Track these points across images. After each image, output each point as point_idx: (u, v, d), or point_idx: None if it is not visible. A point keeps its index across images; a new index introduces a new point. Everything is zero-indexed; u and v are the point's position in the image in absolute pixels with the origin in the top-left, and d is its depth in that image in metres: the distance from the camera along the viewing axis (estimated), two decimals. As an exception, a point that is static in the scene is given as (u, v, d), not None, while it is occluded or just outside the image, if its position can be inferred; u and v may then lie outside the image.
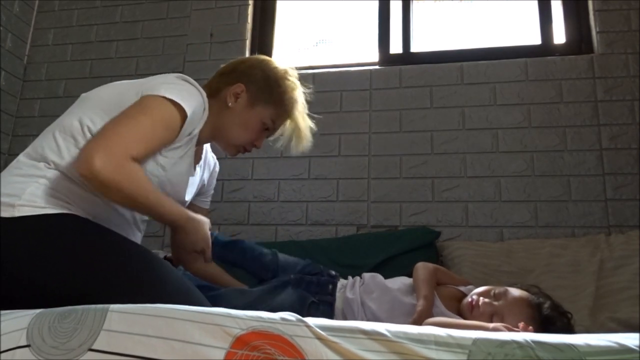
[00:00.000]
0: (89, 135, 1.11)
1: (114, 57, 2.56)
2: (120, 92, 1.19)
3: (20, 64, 2.62)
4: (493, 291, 1.21)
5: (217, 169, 1.55)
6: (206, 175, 1.49)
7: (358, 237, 2.01)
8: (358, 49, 2.45)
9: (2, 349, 0.73)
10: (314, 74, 2.29)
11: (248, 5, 2.47)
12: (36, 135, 2.57)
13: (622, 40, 2.05)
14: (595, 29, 2.10)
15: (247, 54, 2.41)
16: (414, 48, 2.31)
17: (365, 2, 2.47)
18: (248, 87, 1.33)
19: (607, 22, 2.08)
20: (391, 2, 2.38)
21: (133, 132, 1.07)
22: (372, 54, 2.36)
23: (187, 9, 2.53)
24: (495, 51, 2.21)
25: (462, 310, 1.23)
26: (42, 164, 1.10)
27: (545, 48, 2.17)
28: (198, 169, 1.41)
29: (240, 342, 0.70)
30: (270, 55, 2.47)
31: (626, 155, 1.94)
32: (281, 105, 1.36)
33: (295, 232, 2.14)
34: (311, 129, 1.44)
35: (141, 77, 2.52)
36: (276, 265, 1.41)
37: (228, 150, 1.39)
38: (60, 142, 1.12)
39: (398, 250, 1.82)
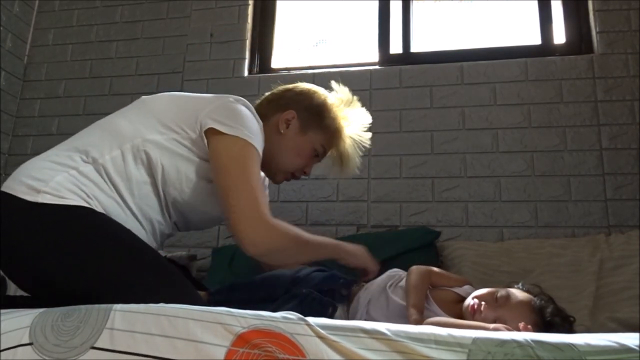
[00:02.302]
0: (136, 140, 1.15)
1: (114, 57, 2.56)
2: (180, 110, 1.21)
3: (20, 64, 2.63)
4: (495, 295, 1.20)
5: (267, 182, 1.55)
6: None
7: (358, 237, 2.01)
8: (358, 49, 2.45)
9: (4, 347, 0.73)
10: (314, 74, 2.29)
11: (248, 5, 2.47)
12: (36, 135, 2.60)
13: (622, 40, 2.05)
14: (595, 29, 2.10)
15: (247, 54, 2.41)
16: (414, 48, 2.31)
17: (365, 2, 2.47)
18: (299, 114, 1.36)
19: (607, 22, 2.08)
20: (391, 2, 2.38)
21: (257, 192, 1.16)
22: (372, 54, 2.36)
23: (187, 9, 2.53)
24: (495, 51, 2.21)
25: (463, 313, 1.22)
26: (78, 157, 1.12)
27: (545, 48, 2.17)
28: None
29: (241, 340, 0.70)
30: (270, 55, 2.47)
31: (626, 155, 1.94)
32: (332, 131, 1.39)
33: (295, 232, 2.13)
34: (359, 158, 1.47)
35: (141, 77, 2.54)
36: (289, 280, 1.35)
37: (277, 177, 1.41)
38: (105, 141, 1.15)
39: (398, 250, 1.82)
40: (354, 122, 1.44)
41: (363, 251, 1.40)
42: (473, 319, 1.17)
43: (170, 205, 1.21)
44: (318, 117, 1.37)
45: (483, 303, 1.19)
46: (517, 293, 1.22)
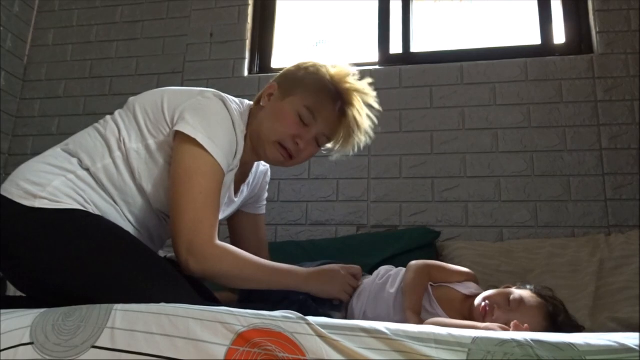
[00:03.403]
0: (122, 148, 1.14)
1: (114, 57, 2.56)
2: (159, 109, 1.18)
3: (20, 64, 2.63)
4: (508, 297, 1.18)
5: (268, 179, 1.51)
6: (255, 189, 1.46)
7: (358, 237, 2.01)
8: (358, 49, 2.45)
9: (5, 347, 0.73)
10: (314, 74, 2.29)
11: (248, 5, 2.47)
12: (36, 136, 2.60)
13: (622, 40, 2.05)
14: (595, 29, 2.10)
15: (247, 54, 2.41)
16: (414, 48, 2.31)
17: (365, 2, 2.47)
18: (280, 84, 1.27)
19: (607, 22, 2.08)
20: (391, 2, 2.38)
21: (200, 213, 1.09)
22: (372, 54, 2.36)
23: (187, 9, 2.53)
24: (495, 51, 2.21)
25: (474, 314, 1.20)
26: (75, 160, 1.13)
27: (545, 48, 2.17)
28: (244, 188, 1.39)
29: (241, 339, 0.70)
30: (270, 55, 2.47)
31: (626, 155, 1.94)
32: (313, 88, 1.23)
33: (295, 232, 2.14)
34: (371, 121, 1.30)
35: (141, 77, 2.54)
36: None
37: (267, 153, 1.25)
38: (97, 147, 1.15)
39: (398, 250, 1.82)
40: (343, 76, 1.25)
41: (337, 277, 1.27)
42: (484, 321, 1.14)
43: (160, 213, 1.21)
44: (297, 79, 1.25)
45: (496, 306, 1.17)
46: (530, 297, 1.19)
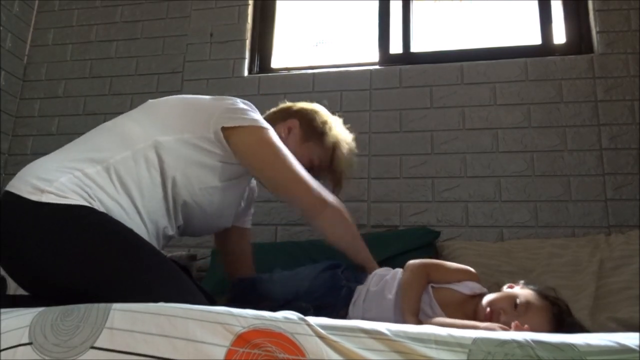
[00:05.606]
0: (148, 141, 1.17)
1: (114, 57, 2.56)
2: (190, 111, 1.25)
3: (20, 64, 2.63)
4: (514, 302, 1.16)
5: (255, 194, 1.59)
6: (247, 201, 1.54)
7: (358, 237, 2.00)
8: (358, 49, 2.45)
9: (3, 347, 0.73)
10: (314, 74, 2.29)
11: (248, 5, 2.47)
12: (36, 135, 2.59)
13: (622, 40, 2.05)
14: (595, 29, 2.10)
15: (247, 54, 2.41)
16: (414, 48, 2.31)
17: (365, 2, 2.47)
18: (302, 123, 1.43)
19: (607, 22, 2.08)
20: (391, 2, 2.38)
21: (304, 176, 1.28)
22: (372, 54, 2.36)
23: (187, 9, 2.53)
24: (495, 51, 2.21)
25: (479, 316, 1.18)
26: (83, 157, 1.14)
27: (545, 48, 2.17)
28: (242, 202, 1.47)
29: (241, 339, 0.70)
30: (270, 55, 2.47)
31: (626, 155, 1.94)
32: (330, 148, 1.45)
33: (295, 232, 2.13)
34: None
35: (141, 77, 2.54)
36: (290, 292, 1.34)
37: None
38: (114, 143, 1.17)
39: (398, 250, 1.81)
40: (346, 143, 1.52)
41: None
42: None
43: (180, 208, 1.23)
44: (319, 131, 1.44)
45: (502, 311, 1.15)
46: (536, 301, 1.18)
